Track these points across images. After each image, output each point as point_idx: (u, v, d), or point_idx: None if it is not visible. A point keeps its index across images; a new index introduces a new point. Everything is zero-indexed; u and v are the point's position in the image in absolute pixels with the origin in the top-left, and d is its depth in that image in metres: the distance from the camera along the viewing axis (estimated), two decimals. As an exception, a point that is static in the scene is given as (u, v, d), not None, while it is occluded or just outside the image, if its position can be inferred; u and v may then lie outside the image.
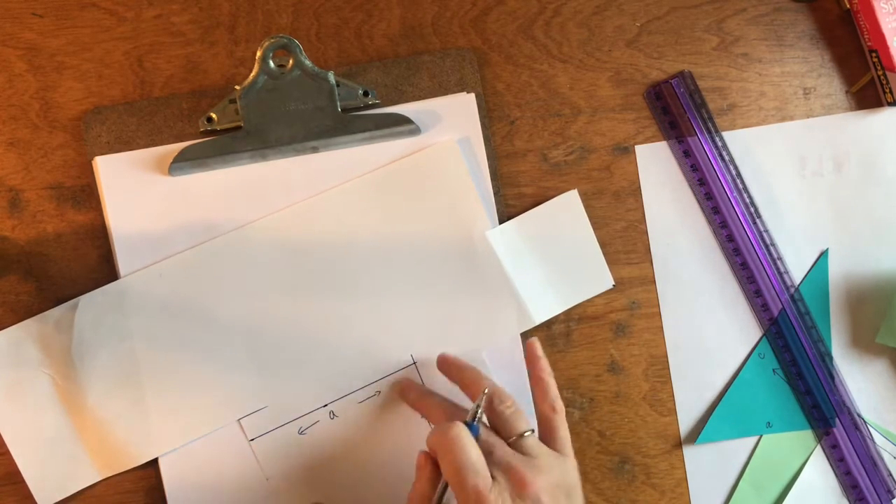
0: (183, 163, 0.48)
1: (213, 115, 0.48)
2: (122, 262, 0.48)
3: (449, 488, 0.40)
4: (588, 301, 0.51)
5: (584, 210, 0.51)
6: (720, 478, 0.52)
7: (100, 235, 0.49)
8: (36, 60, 0.49)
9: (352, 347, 0.49)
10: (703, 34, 0.52)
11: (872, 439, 0.52)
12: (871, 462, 0.52)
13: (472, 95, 0.50)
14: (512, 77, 0.51)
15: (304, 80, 0.47)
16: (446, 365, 0.47)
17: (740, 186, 0.51)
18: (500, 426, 0.43)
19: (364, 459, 0.49)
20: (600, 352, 0.52)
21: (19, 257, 0.49)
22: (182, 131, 0.49)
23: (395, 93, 0.50)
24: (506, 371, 0.50)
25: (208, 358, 0.48)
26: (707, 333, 0.52)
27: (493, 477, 0.39)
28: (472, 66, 0.50)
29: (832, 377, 0.52)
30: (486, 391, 0.42)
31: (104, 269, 0.49)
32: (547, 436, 0.44)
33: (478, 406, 0.42)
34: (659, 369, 0.52)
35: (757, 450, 0.52)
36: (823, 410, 0.52)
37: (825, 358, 0.52)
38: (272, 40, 0.47)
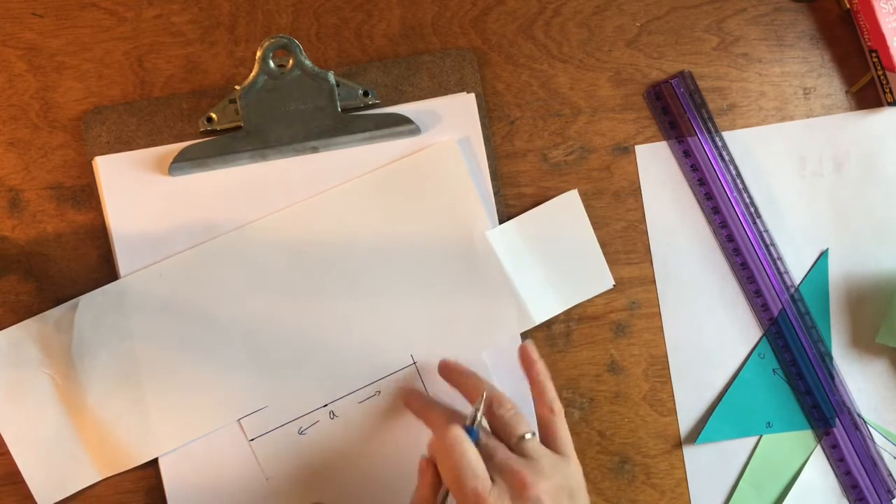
0: (183, 163, 0.48)
1: (213, 115, 0.48)
2: (122, 262, 0.48)
3: (450, 493, 0.40)
4: (588, 301, 0.51)
5: (584, 210, 0.51)
6: (720, 478, 0.52)
7: (100, 235, 0.49)
8: (36, 60, 0.49)
9: (352, 347, 0.49)
10: (703, 34, 0.52)
11: (872, 439, 0.52)
12: (871, 462, 0.52)
13: (472, 95, 0.50)
14: (512, 77, 0.51)
15: (304, 80, 0.47)
16: (447, 370, 0.47)
17: (740, 186, 0.51)
18: (500, 430, 0.42)
19: (364, 459, 0.49)
20: (600, 352, 0.52)
21: (19, 257, 0.49)
22: (182, 131, 0.49)
23: (395, 93, 0.50)
24: (506, 371, 0.50)
25: (208, 358, 0.48)
26: (707, 333, 0.52)
27: (493, 480, 0.39)
28: (472, 66, 0.50)
29: (832, 377, 0.52)
30: (485, 395, 0.42)
31: (104, 269, 0.49)
32: (547, 438, 0.44)
33: (476, 410, 0.42)
34: (659, 369, 0.52)
35: (757, 450, 0.52)
36: (823, 410, 0.52)
37: (825, 358, 0.52)
38: (272, 40, 0.47)
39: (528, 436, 0.42)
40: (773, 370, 0.52)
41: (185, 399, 0.48)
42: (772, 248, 0.52)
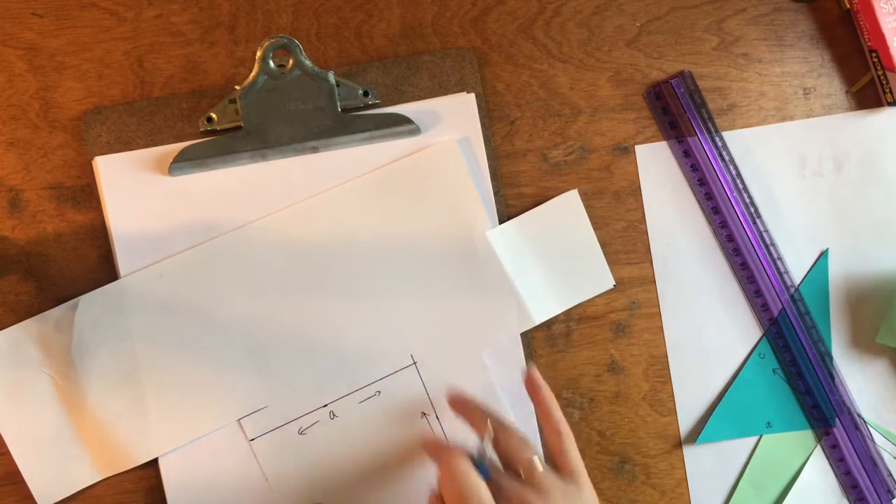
0: (183, 163, 0.48)
1: (213, 115, 0.48)
2: (122, 262, 0.48)
3: None
4: (588, 301, 0.51)
5: (584, 210, 0.51)
6: (720, 478, 0.52)
7: (100, 235, 0.49)
8: (36, 60, 0.49)
9: (352, 347, 0.49)
10: (703, 34, 0.52)
11: (872, 439, 0.52)
12: (871, 462, 0.52)
13: (472, 95, 0.50)
14: (512, 77, 0.51)
15: (304, 80, 0.47)
16: (456, 404, 0.47)
17: (740, 186, 0.51)
18: (507, 458, 0.42)
19: (364, 459, 0.49)
20: (600, 352, 0.52)
21: (19, 257, 0.49)
22: (182, 131, 0.49)
23: (395, 93, 0.50)
24: (506, 371, 0.50)
25: (208, 358, 0.48)
26: (707, 333, 0.52)
27: None
28: (472, 66, 0.50)
29: (832, 377, 0.52)
30: (490, 427, 0.42)
31: (104, 269, 0.49)
32: (557, 462, 0.43)
33: (483, 444, 0.42)
34: (659, 369, 0.52)
35: (757, 450, 0.52)
36: (823, 410, 0.52)
37: (825, 358, 0.52)
38: (272, 40, 0.47)
39: (535, 459, 0.41)
40: (773, 370, 0.52)
41: (185, 399, 0.48)
42: (772, 248, 0.52)
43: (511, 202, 0.51)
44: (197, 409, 0.48)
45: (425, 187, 0.49)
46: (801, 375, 0.52)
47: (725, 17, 0.52)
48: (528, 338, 0.51)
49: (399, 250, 0.49)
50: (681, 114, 0.51)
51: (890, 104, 0.52)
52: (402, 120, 0.49)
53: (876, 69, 0.51)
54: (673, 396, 0.52)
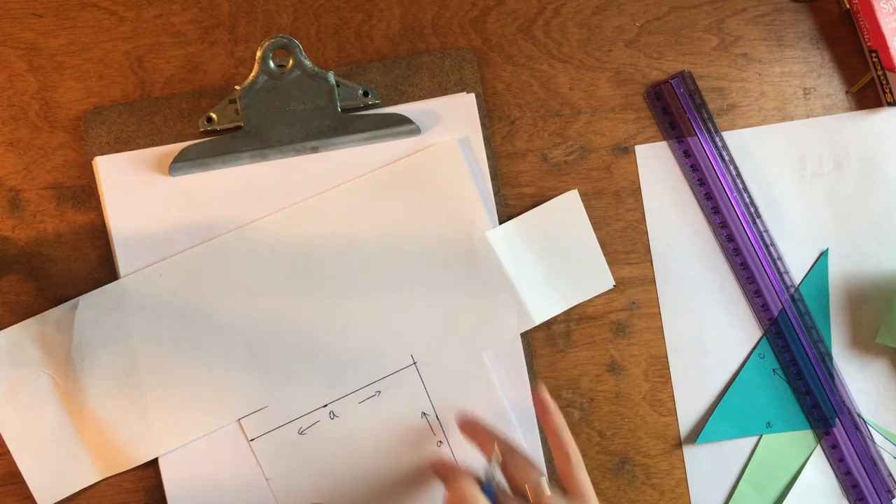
0: (183, 163, 0.48)
1: (213, 115, 0.48)
2: (122, 262, 0.48)
3: None
4: (588, 301, 0.51)
5: (584, 210, 0.51)
6: (720, 478, 0.52)
7: (100, 235, 0.49)
8: (36, 60, 0.49)
9: (352, 347, 0.49)
10: (703, 34, 0.52)
11: (872, 439, 0.52)
12: (871, 462, 0.52)
13: (472, 95, 0.50)
14: (512, 77, 0.51)
15: (304, 80, 0.47)
16: (465, 427, 0.47)
17: (740, 186, 0.51)
18: (513, 481, 0.42)
19: (364, 459, 0.49)
20: (600, 352, 0.52)
21: (19, 257, 0.49)
22: (182, 131, 0.49)
23: (395, 93, 0.50)
24: (506, 371, 0.50)
25: (208, 358, 0.48)
26: (707, 333, 0.52)
27: None
28: (472, 66, 0.50)
29: (832, 377, 0.52)
30: (497, 450, 0.42)
31: (104, 269, 0.49)
32: (567, 486, 0.43)
33: (491, 467, 0.42)
34: (659, 369, 0.52)
35: (757, 450, 0.52)
36: (823, 410, 0.52)
37: (825, 358, 0.52)
38: (272, 40, 0.47)
39: (542, 482, 0.41)
40: (773, 370, 0.52)
41: (185, 399, 0.48)
42: (772, 248, 0.52)
43: (511, 202, 0.51)
44: (197, 409, 0.48)
45: (425, 187, 0.49)
46: (801, 375, 0.52)
47: (725, 17, 0.52)
48: (528, 338, 0.51)
49: (399, 250, 0.49)
50: (681, 114, 0.51)
51: (890, 104, 0.52)
52: (402, 120, 0.49)
53: (876, 69, 0.51)
54: (673, 396, 0.52)
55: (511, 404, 0.50)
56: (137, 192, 0.48)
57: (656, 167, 0.51)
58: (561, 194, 0.51)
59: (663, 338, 0.52)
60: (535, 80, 0.51)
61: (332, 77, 0.48)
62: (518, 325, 0.50)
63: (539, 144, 0.51)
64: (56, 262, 0.49)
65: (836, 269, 0.52)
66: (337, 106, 0.48)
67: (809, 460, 0.52)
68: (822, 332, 0.52)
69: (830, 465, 0.52)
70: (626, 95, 0.51)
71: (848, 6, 0.51)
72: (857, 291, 0.52)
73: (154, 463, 0.49)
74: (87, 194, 0.49)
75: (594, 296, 0.51)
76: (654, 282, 0.52)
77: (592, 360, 0.52)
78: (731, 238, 0.51)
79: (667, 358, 0.52)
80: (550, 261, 0.51)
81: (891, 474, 0.52)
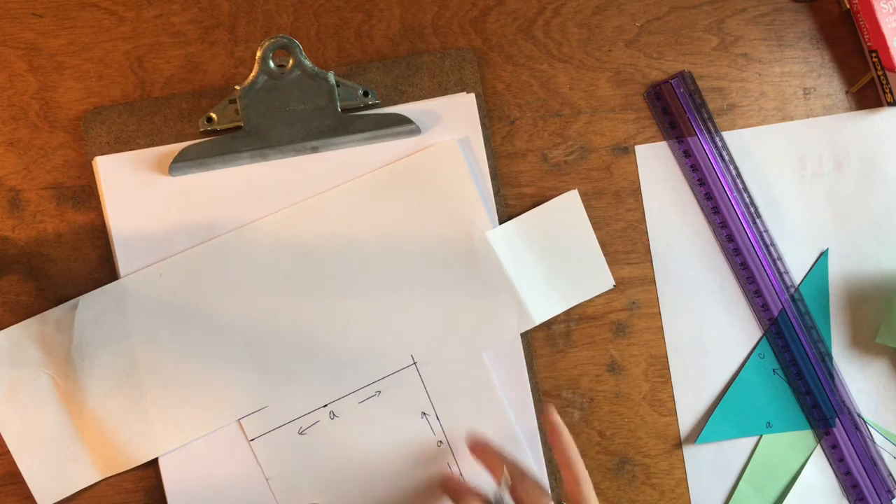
0: (183, 163, 0.48)
1: (213, 115, 0.48)
2: (122, 262, 0.48)
3: None
4: (588, 301, 0.51)
5: (584, 210, 0.51)
6: (720, 478, 0.52)
7: (100, 235, 0.49)
8: (36, 60, 0.49)
9: (352, 347, 0.49)
10: (703, 34, 0.52)
11: (872, 439, 0.52)
12: (871, 462, 0.52)
13: (472, 95, 0.50)
14: (512, 77, 0.51)
15: (304, 80, 0.47)
16: (475, 448, 0.47)
17: (740, 186, 0.51)
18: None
19: (364, 459, 0.49)
20: (600, 352, 0.52)
21: (19, 257, 0.49)
22: (182, 131, 0.49)
23: (395, 93, 0.50)
24: (506, 371, 0.50)
25: (208, 358, 0.48)
26: (707, 333, 0.52)
27: None
28: (472, 66, 0.50)
29: (832, 377, 0.52)
30: (506, 473, 0.42)
31: (104, 269, 0.49)
32: None
33: (500, 490, 0.42)
34: (659, 369, 0.52)
35: (757, 450, 0.52)
36: (823, 410, 0.52)
37: (825, 358, 0.52)
38: (272, 40, 0.47)
39: None
40: (773, 370, 0.52)
41: (185, 399, 0.48)
42: (772, 248, 0.52)
43: (511, 202, 0.51)
44: (197, 409, 0.48)
45: (425, 187, 0.49)
46: (801, 375, 0.52)
47: (725, 17, 0.52)
48: (528, 338, 0.51)
49: (399, 250, 0.49)
50: (681, 114, 0.51)
51: (890, 104, 0.52)
52: (402, 120, 0.49)
53: (876, 69, 0.51)
54: (673, 396, 0.52)
55: (511, 404, 0.50)
56: (137, 192, 0.48)
57: (656, 167, 0.51)
58: (561, 194, 0.51)
59: (663, 338, 0.52)
60: (535, 80, 0.51)
61: (332, 77, 0.48)
62: (518, 325, 0.50)
63: (539, 144, 0.51)
64: (56, 262, 0.49)
65: (836, 269, 0.52)
66: (337, 106, 0.48)
67: (809, 460, 0.52)
68: (822, 332, 0.52)
69: (830, 465, 0.52)
70: (626, 95, 0.51)
71: (848, 6, 0.51)
72: (857, 291, 0.52)
73: (154, 463, 0.49)
74: (87, 194, 0.49)
75: (594, 296, 0.51)
76: (654, 282, 0.52)
77: (592, 360, 0.52)
78: (731, 238, 0.51)
79: (667, 358, 0.52)
80: (550, 261, 0.51)
81: (891, 474, 0.52)
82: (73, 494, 0.48)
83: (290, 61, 0.47)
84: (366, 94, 0.49)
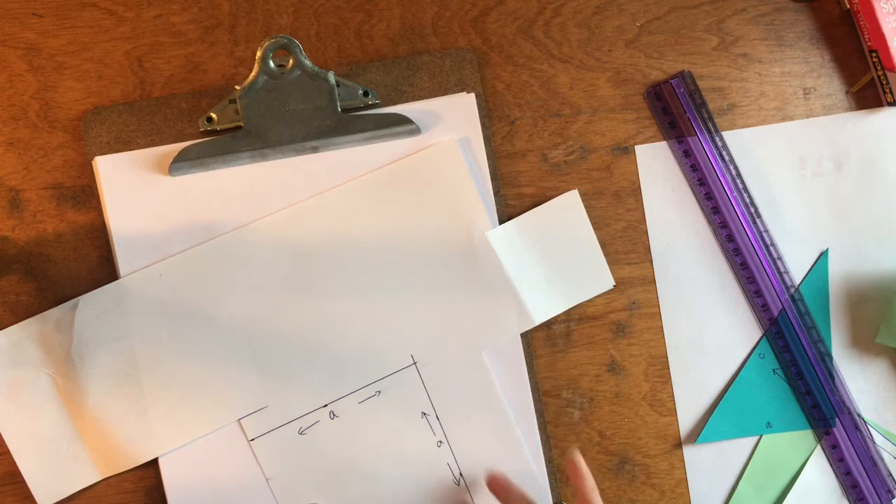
0: (183, 163, 0.48)
1: (213, 115, 0.48)
2: (122, 262, 0.48)
3: None
4: (588, 301, 0.51)
5: (584, 210, 0.51)
6: (720, 478, 0.52)
7: (100, 235, 0.49)
8: (36, 60, 0.49)
9: (352, 347, 0.49)
10: (703, 34, 0.52)
11: (872, 439, 0.52)
12: (871, 462, 0.52)
13: (472, 95, 0.50)
14: (512, 77, 0.51)
15: (304, 80, 0.47)
16: (494, 485, 0.47)
17: (740, 186, 0.51)
18: None
19: (364, 459, 0.49)
20: (600, 352, 0.52)
21: (19, 257, 0.49)
22: (182, 131, 0.49)
23: (395, 93, 0.50)
24: (506, 371, 0.50)
25: (208, 358, 0.48)
26: (707, 333, 0.52)
27: None
28: (472, 66, 0.50)
29: (832, 377, 0.52)
30: None
31: (104, 269, 0.49)
32: None
33: None
34: (659, 369, 0.52)
35: (757, 450, 0.52)
36: (823, 410, 0.52)
37: (825, 358, 0.52)
38: (272, 40, 0.47)
39: None
40: (773, 370, 0.52)
41: (185, 399, 0.48)
42: (772, 248, 0.52)
43: (511, 202, 0.51)
44: (197, 410, 0.48)
45: (425, 187, 0.49)
46: (801, 375, 0.52)
47: (725, 17, 0.52)
48: (528, 338, 0.51)
49: (399, 250, 0.49)
50: (681, 114, 0.51)
51: (890, 104, 0.52)
52: (402, 120, 0.49)
53: (876, 69, 0.51)
54: (673, 396, 0.52)
55: (511, 404, 0.50)
56: (137, 192, 0.48)
57: (656, 167, 0.51)
58: (561, 194, 0.51)
59: (663, 338, 0.52)
60: (535, 80, 0.51)
61: (332, 77, 0.48)
62: (518, 325, 0.50)
63: (539, 144, 0.51)
64: (56, 262, 0.49)
65: (836, 269, 0.52)
66: (337, 106, 0.48)
67: (809, 460, 0.52)
68: (822, 332, 0.52)
69: (830, 465, 0.52)
70: (626, 95, 0.51)
71: (848, 6, 0.51)
72: (857, 291, 0.52)
73: (154, 463, 0.49)
74: (87, 194, 0.49)
75: (594, 296, 0.51)
76: (654, 282, 0.52)
77: (592, 360, 0.52)
78: (731, 238, 0.51)
79: (667, 358, 0.52)
80: (550, 261, 0.51)
81: (891, 474, 0.52)
82: (73, 494, 0.48)
83: (290, 61, 0.47)
84: (366, 94, 0.49)
